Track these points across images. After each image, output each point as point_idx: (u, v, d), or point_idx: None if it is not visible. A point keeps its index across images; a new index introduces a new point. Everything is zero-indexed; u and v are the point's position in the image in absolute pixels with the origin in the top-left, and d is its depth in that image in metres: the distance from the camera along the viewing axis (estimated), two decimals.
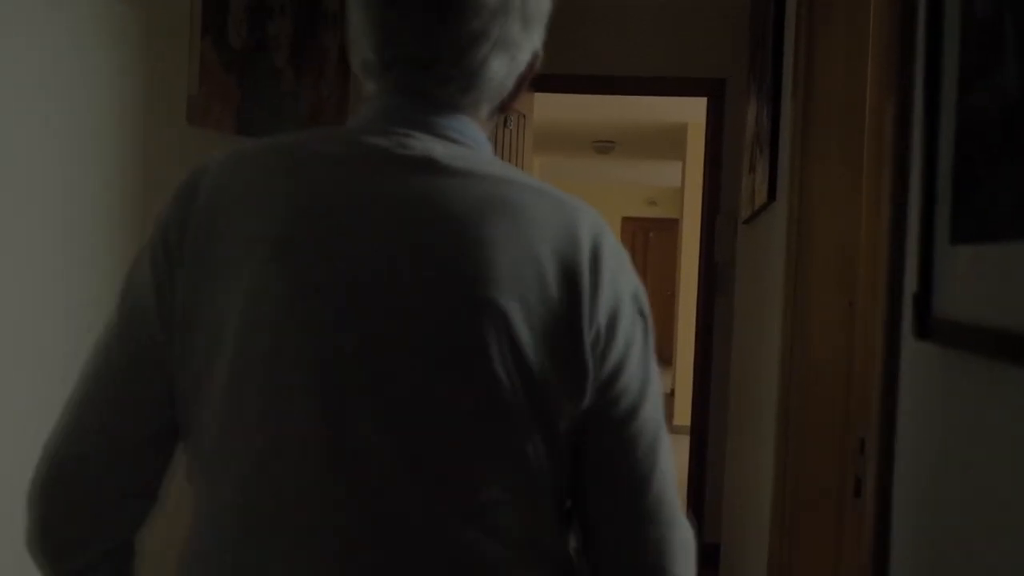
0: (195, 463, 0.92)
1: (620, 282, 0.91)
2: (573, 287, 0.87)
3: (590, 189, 13.03)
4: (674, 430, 8.48)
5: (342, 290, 0.86)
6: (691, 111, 7.93)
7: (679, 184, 11.59)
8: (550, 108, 7.65)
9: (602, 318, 0.88)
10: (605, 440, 0.91)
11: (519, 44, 0.94)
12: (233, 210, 0.90)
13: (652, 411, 0.93)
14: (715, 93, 4.73)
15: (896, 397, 1.18)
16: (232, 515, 0.88)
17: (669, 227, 13.18)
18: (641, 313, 0.93)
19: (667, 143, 9.44)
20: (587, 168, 12.16)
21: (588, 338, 0.87)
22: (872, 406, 1.79)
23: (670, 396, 9.39)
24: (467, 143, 0.93)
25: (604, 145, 9.68)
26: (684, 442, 5.93)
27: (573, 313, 0.86)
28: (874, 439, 1.84)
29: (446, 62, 0.91)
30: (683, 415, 5.26)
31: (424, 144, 0.91)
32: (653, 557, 0.93)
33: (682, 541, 0.95)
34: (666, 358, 10.69)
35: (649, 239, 13.65)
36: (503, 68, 0.94)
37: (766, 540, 1.95)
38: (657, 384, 0.95)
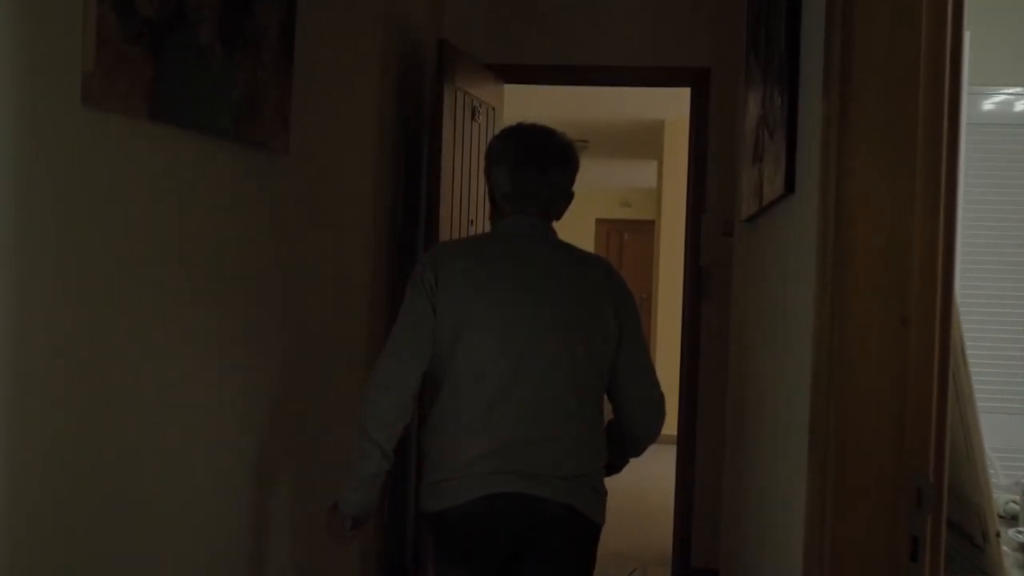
0: (442, 378, 2.10)
1: (626, 298, 2.21)
2: (612, 302, 2.16)
3: None
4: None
5: (518, 305, 2.09)
6: (669, 107, 7.64)
7: (654, 185, 11.31)
8: (521, 105, 7.32)
9: (621, 316, 2.16)
10: (632, 359, 2.17)
11: (569, 188, 2.26)
12: (457, 274, 2.10)
13: (643, 345, 2.19)
14: (699, 83, 4.40)
15: None
16: (469, 405, 2.07)
17: (644, 229, 12.90)
18: (635, 305, 2.21)
19: (642, 142, 9.14)
20: None
21: (621, 322, 2.16)
22: (931, 448, 1.45)
23: None
24: (550, 234, 2.22)
25: (578, 144, 9.32)
26: (668, 452, 5.56)
27: (614, 314, 2.15)
28: (934, 489, 1.48)
29: (544, 199, 2.20)
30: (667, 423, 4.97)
31: (538, 237, 2.20)
32: (656, 399, 2.19)
33: (662, 393, 2.21)
34: None
35: (624, 241, 13.37)
36: (564, 200, 2.26)
37: None
38: (642, 332, 2.21)
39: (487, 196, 2.29)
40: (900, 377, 1.39)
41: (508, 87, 4.45)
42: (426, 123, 4.12)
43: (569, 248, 2.21)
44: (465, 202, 4.04)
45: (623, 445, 2.23)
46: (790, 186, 1.93)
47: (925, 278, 1.38)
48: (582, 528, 2.07)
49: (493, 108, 4.28)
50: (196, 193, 2.07)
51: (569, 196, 2.23)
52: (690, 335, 4.43)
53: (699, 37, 4.38)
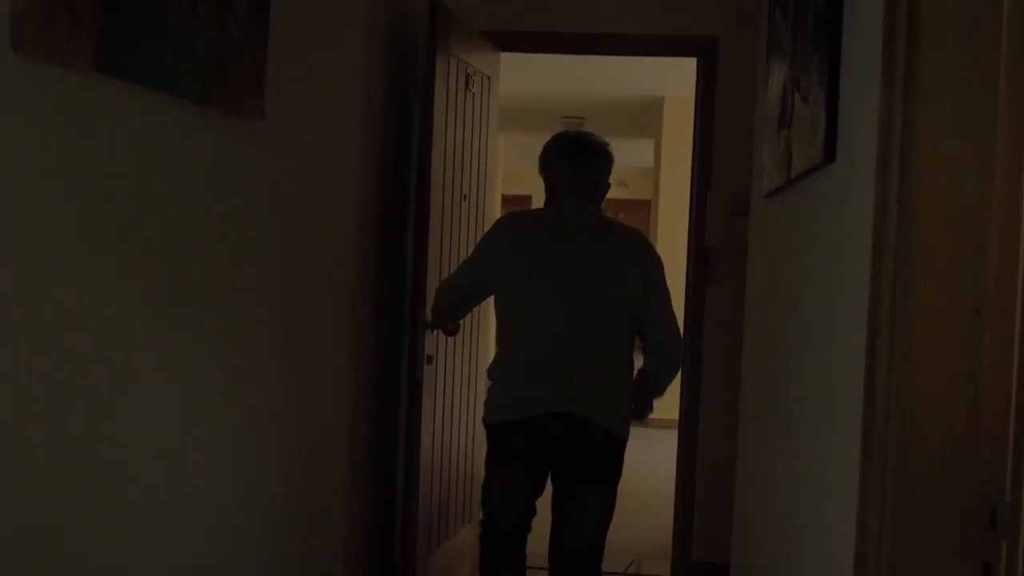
0: (507, 323, 2.79)
1: (653, 261, 2.81)
2: (641, 264, 2.78)
3: None
4: (652, 424, 8.00)
5: (570, 270, 2.72)
6: (669, 84, 7.40)
7: (651, 164, 11.08)
8: (518, 80, 7.08)
9: (647, 276, 2.77)
10: (658, 310, 2.78)
11: (607, 178, 2.92)
12: (521, 240, 2.78)
13: (667, 296, 2.79)
14: (706, 53, 4.16)
15: None
16: (526, 344, 2.73)
17: (640, 209, 12.69)
18: (661, 267, 2.81)
19: (640, 120, 8.92)
20: None
21: (646, 281, 2.77)
22: (1008, 460, 1.23)
23: None
24: (598, 211, 2.88)
25: (574, 121, 9.11)
26: (663, 437, 5.38)
27: (641, 274, 2.76)
28: (1011, 509, 1.24)
29: (591, 182, 2.87)
30: (666, 407, 4.69)
31: (588, 213, 2.85)
32: (675, 343, 2.83)
33: (681, 340, 2.89)
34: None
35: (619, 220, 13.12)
36: (604, 186, 2.92)
37: None
38: (666, 289, 2.81)
39: (545, 186, 2.95)
40: (972, 377, 1.17)
41: (504, 57, 4.21)
42: (417, 92, 3.88)
43: (609, 222, 2.89)
44: (459, 177, 3.80)
45: (649, 390, 2.90)
46: (830, 154, 1.71)
47: (1005, 260, 1.16)
48: (611, 441, 2.75)
49: (488, 78, 4.04)
50: (155, 161, 1.84)
51: (608, 184, 2.93)
52: (694, 319, 4.21)
53: (706, 5, 4.14)
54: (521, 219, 2.89)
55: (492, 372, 2.83)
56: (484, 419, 2.84)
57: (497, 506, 2.85)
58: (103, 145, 1.66)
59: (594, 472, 2.76)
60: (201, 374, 2.06)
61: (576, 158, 2.83)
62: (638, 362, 2.87)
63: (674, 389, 4.56)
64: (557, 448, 2.72)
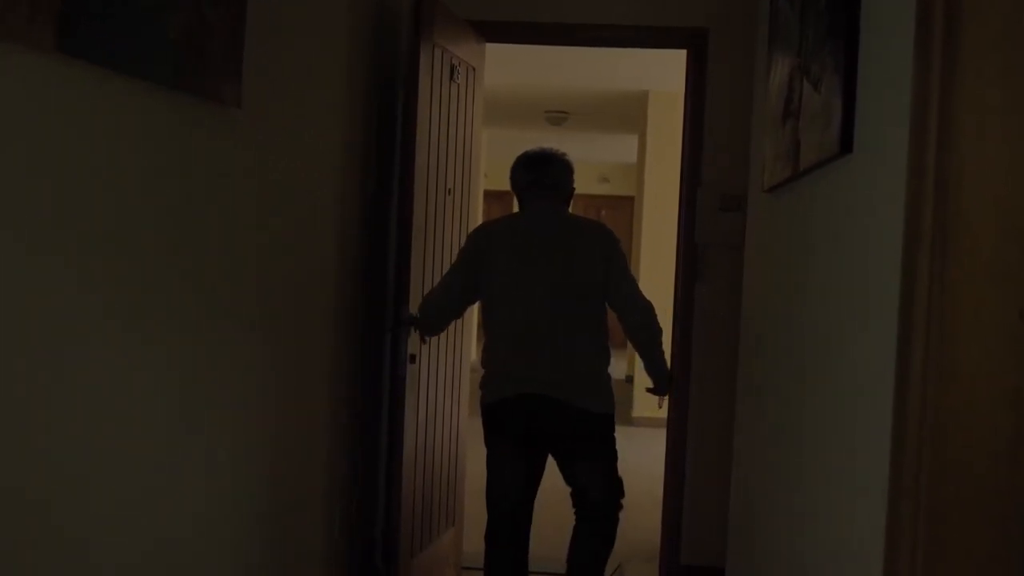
0: (488, 317, 3.13)
1: (613, 246, 3.09)
2: (602, 250, 3.07)
3: None
4: (633, 422, 7.90)
5: (537, 263, 3.03)
6: (654, 78, 7.32)
7: (633, 160, 11.01)
8: (501, 74, 6.97)
9: (609, 260, 3.07)
10: (620, 288, 3.06)
11: (568, 182, 3.28)
12: (495, 242, 3.13)
13: (628, 275, 3.10)
14: (696, 45, 4.07)
15: None
16: (504, 334, 3.08)
17: (623, 205, 12.62)
18: (620, 252, 3.11)
19: (624, 114, 8.83)
20: (538, 144, 11.49)
21: (607, 265, 3.07)
22: None
23: (628, 383, 8.77)
24: (562, 210, 3.24)
25: (557, 115, 9.02)
26: (646, 435, 5.28)
27: (600, 264, 3.06)
28: None
29: (550, 184, 3.21)
30: (652, 406, 4.57)
31: (553, 213, 3.19)
32: (641, 311, 3.06)
33: (647, 304, 3.09)
34: (622, 342, 10.08)
35: (601, 217, 13.10)
36: (566, 189, 3.26)
37: None
38: (627, 268, 3.13)
39: (516, 198, 3.29)
40: (1018, 388, 1.07)
41: (487, 49, 4.10)
42: (400, 83, 3.76)
43: (574, 218, 3.23)
44: (443, 170, 3.69)
45: (649, 368, 3.19)
46: (847, 144, 1.61)
47: None
48: (588, 418, 3.04)
49: (473, 68, 3.92)
50: (123, 149, 1.71)
51: (571, 187, 3.29)
52: (683, 317, 4.12)
53: None
54: (494, 223, 3.25)
55: (481, 360, 3.17)
56: (480, 401, 3.16)
57: (494, 488, 3.14)
58: (64, 132, 1.53)
59: (581, 448, 3.09)
60: (167, 376, 1.94)
61: (534, 165, 3.21)
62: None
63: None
64: (541, 428, 3.05)
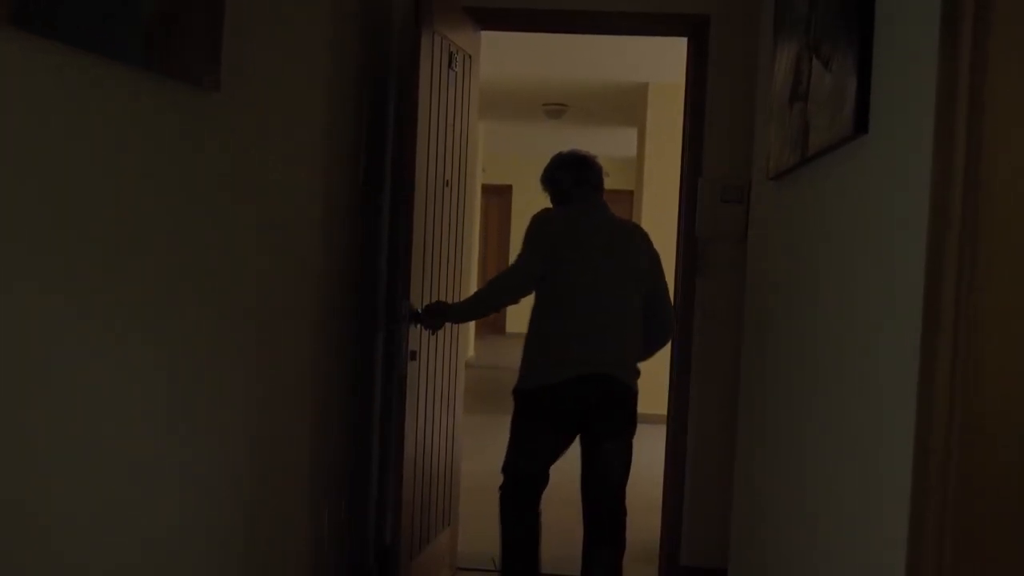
0: (549, 304, 3.27)
1: (653, 251, 3.41)
2: (645, 252, 3.38)
3: (539, 162, 12.25)
4: (639, 419, 7.79)
5: (599, 254, 3.27)
6: (653, 69, 7.21)
7: (632, 154, 10.90)
8: (498, 64, 6.86)
9: (651, 263, 3.39)
10: (658, 285, 3.40)
11: (601, 180, 3.54)
12: (565, 231, 3.29)
13: (665, 284, 3.42)
14: (697, 32, 3.96)
15: None
16: (570, 320, 3.22)
17: (622, 199, 12.51)
18: (658, 257, 3.43)
19: (623, 107, 8.72)
20: (536, 138, 11.43)
21: (652, 264, 3.40)
22: None
23: None
24: (608, 209, 3.45)
25: (555, 108, 8.91)
26: (646, 435, 5.21)
27: (646, 260, 3.37)
28: None
29: (597, 183, 3.49)
30: (652, 403, 4.47)
31: (603, 210, 3.43)
32: (668, 323, 3.44)
33: (674, 322, 3.53)
34: None
35: None
36: (603, 188, 3.52)
37: None
38: (663, 275, 3.43)
39: (555, 195, 3.49)
40: None
41: (483, 38, 3.99)
42: (394, 70, 3.65)
43: (617, 218, 3.44)
44: (441, 162, 3.58)
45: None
46: (861, 124, 1.50)
47: None
48: (631, 398, 3.31)
49: (470, 56, 3.81)
50: (89, 133, 1.60)
51: (603, 187, 3.54)
52: (684, 312, 4.01)
53: None
54: (554, 213, 3.40)
55: (529, 346, 3.31)
56: (516, 388, 3.30)
57: (524, 466, 3.33)
58: (20, 114, 1.43)
59: (616, 424, 3.28)
60: (144, 374, 1.83)
61: (579, 166, 3.47)
62: None
63: (663, 384, 4.38)
64: (585, 406, 3.22)
